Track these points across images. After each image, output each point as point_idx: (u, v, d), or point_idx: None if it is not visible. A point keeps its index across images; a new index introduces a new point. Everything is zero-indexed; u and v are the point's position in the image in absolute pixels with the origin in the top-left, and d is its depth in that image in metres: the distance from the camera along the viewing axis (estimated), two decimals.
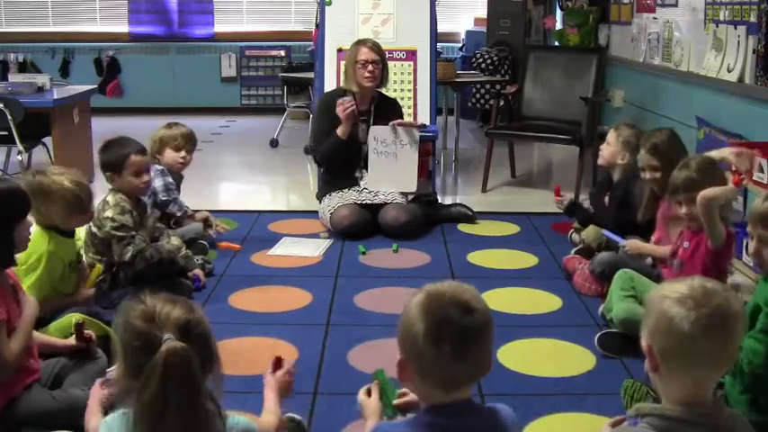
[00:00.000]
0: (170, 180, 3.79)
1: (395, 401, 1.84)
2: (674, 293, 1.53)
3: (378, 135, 4.45)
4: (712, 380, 1.57)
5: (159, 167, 3.76)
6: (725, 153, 3.08)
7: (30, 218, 2.32)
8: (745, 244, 3.23)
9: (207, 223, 3.95)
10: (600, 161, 3.93)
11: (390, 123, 4.44)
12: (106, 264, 3.10)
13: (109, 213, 3.12)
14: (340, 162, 4.46)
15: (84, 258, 3.04)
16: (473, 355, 1.52)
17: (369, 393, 1.86)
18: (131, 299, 1.61)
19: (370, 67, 4.34)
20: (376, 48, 4.40)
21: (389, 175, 4.43)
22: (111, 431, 1.58)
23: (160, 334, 1.50)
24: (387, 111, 4.52)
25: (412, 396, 1.80)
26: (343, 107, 4.29)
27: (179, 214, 3.80)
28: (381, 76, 4.43)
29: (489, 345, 1.57)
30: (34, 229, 2.66)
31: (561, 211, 4.13)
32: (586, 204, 4.13)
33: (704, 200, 2.68)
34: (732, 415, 1.59)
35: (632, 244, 3.30)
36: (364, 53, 4.36)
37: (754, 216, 2.23)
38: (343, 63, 4.63)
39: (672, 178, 2.91)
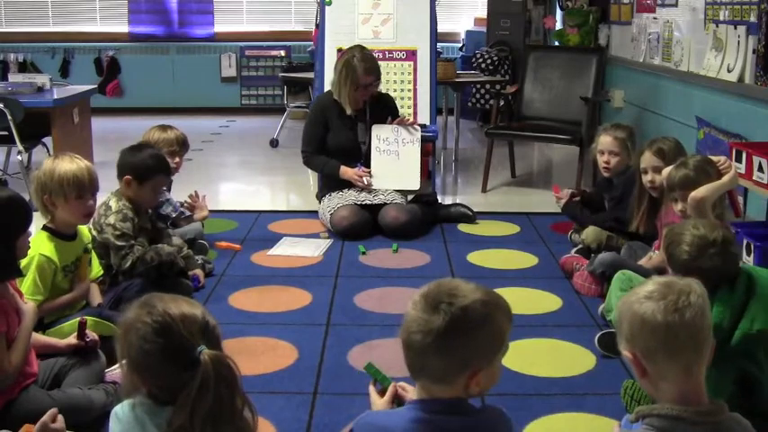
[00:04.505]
0: None
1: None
2: (639, 294, 1.60)
3: (380, 133, 4.46)
4: (700, 367, 1.57)
5: None
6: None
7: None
8: (744, 243, 3.23)
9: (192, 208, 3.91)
10: (608, 174, 3.88)
11: (389, 121, 4.46)
12: (105, 266, 3.09)
13: (111, 220, 3.11)
14: (341, 161, 4.46)
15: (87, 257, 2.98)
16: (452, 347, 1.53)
17: (381, 393, 1.87)
18: (132, 302, 1.61)
19: (370, 89, 4.36)
20: (373, 66, 4.36)
21: (392, 173, 4.45)
22: (122, 424, 1.58)
23: (194, 346, 1.51)
24: (382, 107, 4.53)
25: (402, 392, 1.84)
26: (360, 180, 4.36)
27: (174, 215, 3.78)
28: (378, 82, 4.45)
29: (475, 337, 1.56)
30: (33, 231, 2.64)
31: (561, 209, 4.14)
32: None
33: (694, 201, 2.72)
34: (733, 417, 1.59)
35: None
36: (365, 79, 4.32)
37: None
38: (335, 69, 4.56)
39: (669, 176, 2.94)
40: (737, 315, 2.15)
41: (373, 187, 4.42)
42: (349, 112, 4.40)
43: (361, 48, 4.45)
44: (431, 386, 1.58)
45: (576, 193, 4.17)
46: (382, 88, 4.61)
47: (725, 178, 2.81)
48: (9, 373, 2.14)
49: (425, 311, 1.54)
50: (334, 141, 4.46)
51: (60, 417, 1.88)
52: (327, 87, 4.90)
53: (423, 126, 4.68)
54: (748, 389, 2.15)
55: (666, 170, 3.02)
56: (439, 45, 6.25)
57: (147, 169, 3.16)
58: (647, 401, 2.21)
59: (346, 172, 4.40)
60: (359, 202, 4.32)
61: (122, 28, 8.90)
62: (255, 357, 2.78)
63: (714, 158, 2.93)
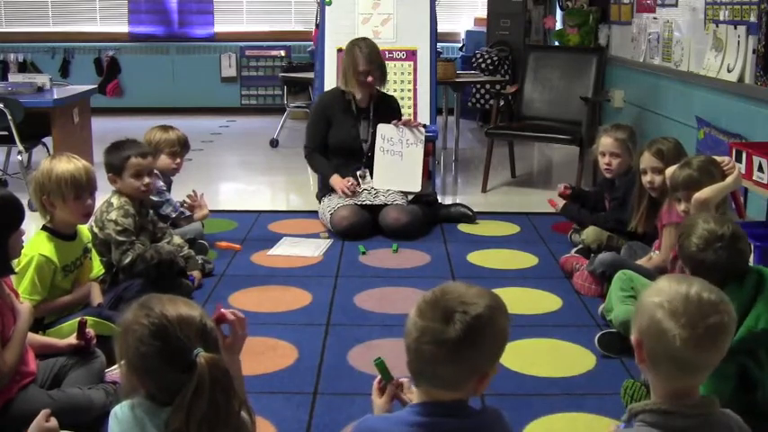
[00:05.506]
0: (160, 183, 3.75)
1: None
2: (668, 304, 1.50)
3: (385, 133, 4.48)
4: (699, 381, 1.57)
5: None
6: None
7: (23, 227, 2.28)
8: None
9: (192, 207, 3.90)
10: (610, 175, 3.86)
11: (394, 122, 4.48)
12: (106, 264, 3.09)
13: (113, 216, 3.12)
14: (341, 160, 4.47)
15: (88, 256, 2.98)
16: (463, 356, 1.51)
17: (381, 390, 1.86)
18: (131, 303, 1.61)
19: (369, 78, 4.36)
20: (373, 54, 4.38)
21: (395, 173, 4.45)
22: (122, 424, 1.58)
23: (190, 349, 1.51)
24: (386, 108, 4.54)
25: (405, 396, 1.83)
26: (347, 189, 4.31)
27: (173, 215, 3.77)
28: (381, 78, 4.45)
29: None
30: (32, 231, 2.64)
31: (559, 211, 4.14)
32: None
33: (698, 202, 2.71)
34: (724, 412, 1.60)
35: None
36: (363, 64, 4.35)
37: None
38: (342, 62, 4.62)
39: (673, 176, 2.93)
40: (743, 312, 2.14)
41: (374, 187, 4.43)
42: (359, 96, 4.42)
43: (369, 39, 4.50)
44: (435, 391, 1.56)
45: (569, 187, 4.15)
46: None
47: (729, 179, 2.80)
48: (4, 373, 2.14)
49: (437, 321, 1.49)
50: (336, 137, 4.47)
51: (53, 417, 1.88)
52: (327, 87, 4.92)
53: (423, 126, 4.68)
54: (748, 387, 2.15)
55: (670, 170, 3.01)
56: (439, 45, 6.26)
57: (119, 159, 3.18)
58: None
59: (335, 181, 4.39)
60: (359, 203, 4.32)
61: (122, 28, 8.89)
62: (255, 357, 2.78)
63: (719, 159, 2.92)
